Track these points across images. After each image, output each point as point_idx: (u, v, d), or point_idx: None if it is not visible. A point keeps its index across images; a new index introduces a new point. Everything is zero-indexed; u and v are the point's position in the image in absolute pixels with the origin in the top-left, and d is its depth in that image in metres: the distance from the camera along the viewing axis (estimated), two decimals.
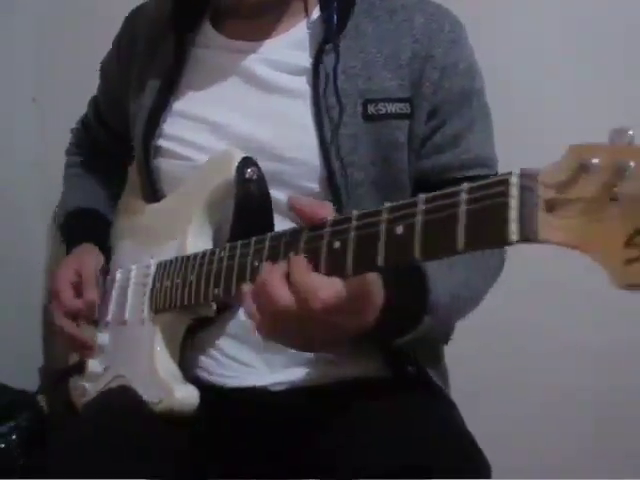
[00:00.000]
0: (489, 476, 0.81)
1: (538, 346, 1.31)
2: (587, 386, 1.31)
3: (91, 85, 1.27)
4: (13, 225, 1.49)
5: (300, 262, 0.64)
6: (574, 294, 1.26)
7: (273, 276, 0.64)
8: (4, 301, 1.45)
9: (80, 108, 1.26)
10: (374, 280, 0.66)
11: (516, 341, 1.32)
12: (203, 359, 0.91)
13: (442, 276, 0.78)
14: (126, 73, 1.03)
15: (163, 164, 0.95)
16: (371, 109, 0.86)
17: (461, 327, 0.94)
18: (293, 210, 0.67)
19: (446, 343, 0.93)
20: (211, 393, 0.85)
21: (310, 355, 0.78)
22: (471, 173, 0.88)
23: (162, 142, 0.94)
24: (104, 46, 1.35)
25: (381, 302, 0.67)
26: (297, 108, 0.88)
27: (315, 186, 0.88)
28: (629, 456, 1.30)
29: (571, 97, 1.26)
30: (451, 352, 1.00)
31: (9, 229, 1.47)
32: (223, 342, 0.90)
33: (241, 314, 0.88)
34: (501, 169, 0.91)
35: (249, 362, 0.90)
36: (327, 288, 0.61)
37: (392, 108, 0.86)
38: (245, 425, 0.88)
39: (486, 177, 0.77)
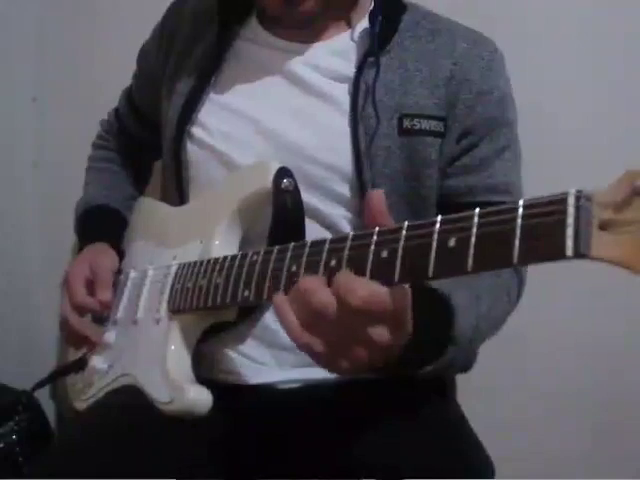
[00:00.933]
0: (493, 476, 0.82)
1: (538, 347, 1.31)
2: (587, 386, 1.31)
3: (91, 85, 1.27)
4: (13, 225, 1.49)
5: (346, 271, 0.61)
6: (574, 293, 1.26)
7: (313, 279, 0.62)
8: (3, 301, 1.45)
9: (80, 108, 1.26)
10: (407, 305, 0.62)
11: (516, 342, 1.32)
12: (215, 356, 0.92)
13: (468, 307, 0.78)
14: (164, 60, 1.03)
15: (192, 152, 0.96)
16: (406, 123, 0.88)
17: None
18: (368, 202, 0.64)
19: (466, 371, 0.92)
20: (221, 390, 0.84)
21: None
22: (494, 198, 0.90)
23: (195, 130, 0.95)
24: (104, 46, 1.35)
25: (410, 330, 0.64)
26: (336, 114, 0.90)
27: (345, 192, 0.89)
28: (629, 456, 1.30)
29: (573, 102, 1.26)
30: None
31: (8, 229, 1.47)
32: (236, 341, 0.91)
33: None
34: None
35: (260, 359, 0.90)
36: (367, 288, 0.58)
37: (427, 125, 0.88)
38: (254, 423, 0.89)
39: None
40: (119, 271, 1.03)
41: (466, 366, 0.92)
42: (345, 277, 0.60)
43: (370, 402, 0.86)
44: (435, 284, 0.73)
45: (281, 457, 0.86)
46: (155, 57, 1.06)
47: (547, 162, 1.23)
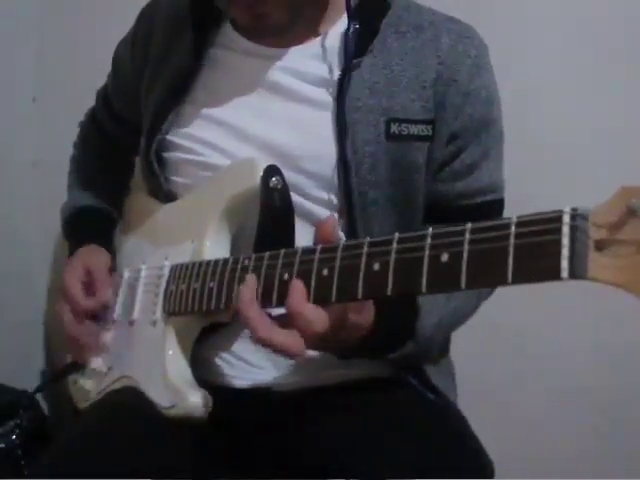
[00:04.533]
0: (492, 476, 0.82)
1: (538, 347, 1.31)
2: (587, 386, 1.31)
3: (91, 85, 1.27)
4: (13, 225, 1.49)
5: (299, 289, 0.66)
6: (574, 294, 1.26)
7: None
8: (4, 301, 1.45)
9: (80, 108, 1.26)
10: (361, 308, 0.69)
11: (516, 342, 1.32)
12: (211, 359, 0.91)
13: (434, 306, 0.81)
14: (140, 66, 1.01)
15: (170, 157, 0.94)
16: (394, 128, 0.85)
17: (461, 329, 0.94)
18: (320, 229, 0.69)
19: (431, 361, 0.94)
20: (218, 393, 0.84)
21: (317, 356, 0.79)
22: (481, 199, 0.90)
23: (170, 137, 0.93)
24: (104, 46, 1.35)
25: (369, 323, 0.70)
26: (319, 119, 0.87)
27: (331, 198, 0.87)
28: (629, 456, 1.30)
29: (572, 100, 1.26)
30: (451, 354, 1.01)
31: (8, 229, 1.47)
32: (231, 342, 0.90)
33: None
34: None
35: (257, 362, 0.90)
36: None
37: (415, 130, 0.85)
38: (251, 425, 0.88)
39: (494, 202, 0.81)
40: (114, 270, 1.03)
41: (429, 356, 0.91)
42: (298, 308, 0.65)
43: (368, 404, 0.86)
44: None
45: (276, 458, 0.86)
46: (130, 66, 1.04)
47: (540, 173, 1.23)
